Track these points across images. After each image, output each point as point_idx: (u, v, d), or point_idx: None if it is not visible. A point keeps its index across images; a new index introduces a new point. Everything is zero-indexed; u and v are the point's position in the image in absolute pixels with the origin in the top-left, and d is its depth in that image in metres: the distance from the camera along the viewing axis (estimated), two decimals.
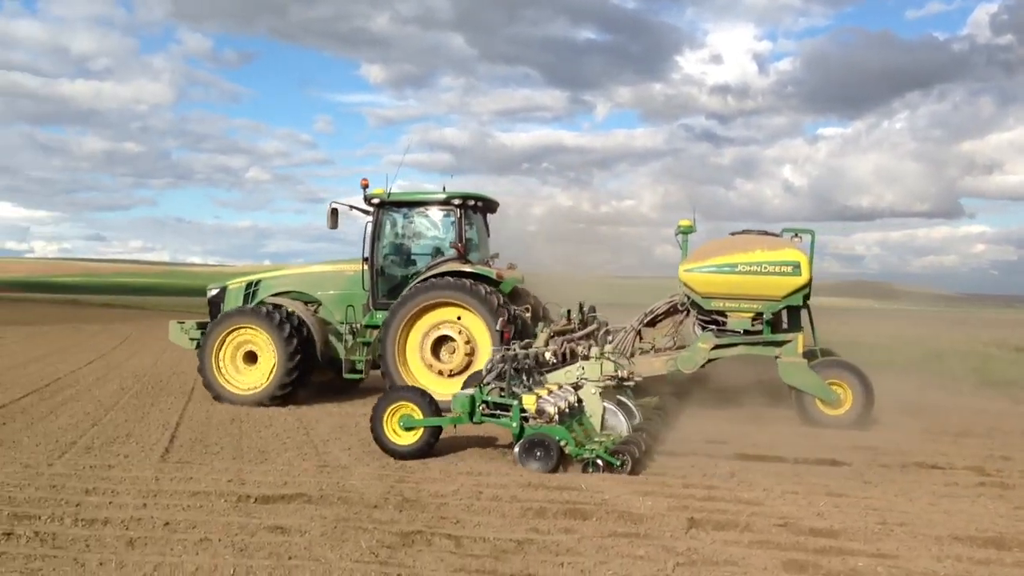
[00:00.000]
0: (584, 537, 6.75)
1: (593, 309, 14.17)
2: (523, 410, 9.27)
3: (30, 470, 8.70)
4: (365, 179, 14.25)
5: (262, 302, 14.78)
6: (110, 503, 7.51)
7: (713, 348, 12.43)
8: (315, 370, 14.46)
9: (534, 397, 9.31)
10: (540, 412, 9.21)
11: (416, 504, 7.62)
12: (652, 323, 13.47)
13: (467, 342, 13.66)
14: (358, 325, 14.47)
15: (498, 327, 12.38)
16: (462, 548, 6.44)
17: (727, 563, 6.22)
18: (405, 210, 14.73)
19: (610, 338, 12.77)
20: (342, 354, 14.30)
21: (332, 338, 14.61)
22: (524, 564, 6.15)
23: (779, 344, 12.27)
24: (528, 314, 13.85)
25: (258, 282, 15.28)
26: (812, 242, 12.91)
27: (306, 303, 14.90)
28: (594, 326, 13.27)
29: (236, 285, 15.37)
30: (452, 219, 14.38)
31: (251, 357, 14.09)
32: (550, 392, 9.79)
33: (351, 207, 14.64)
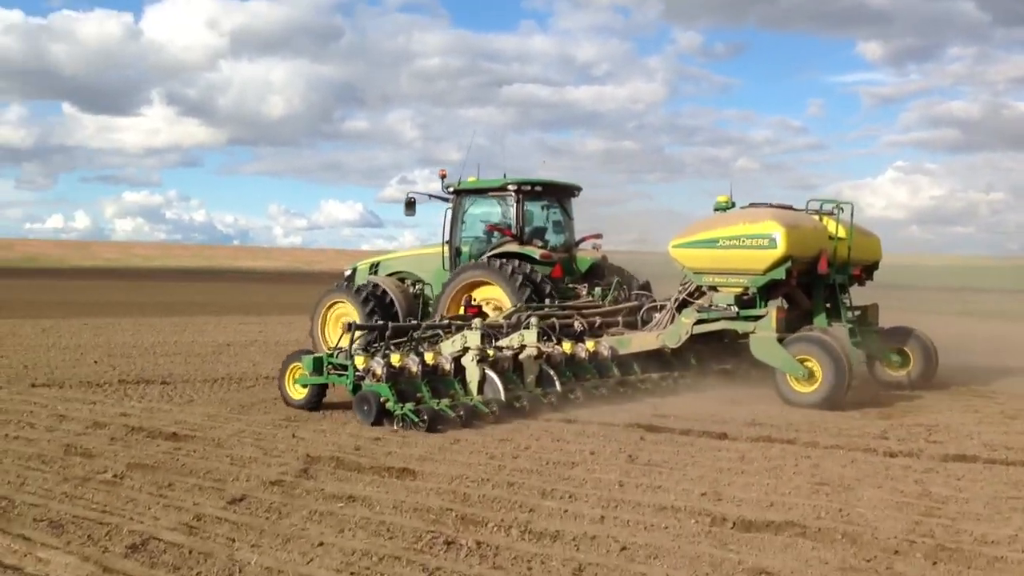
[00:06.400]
0: None
1: (646, 287, 15.08)
2: (357, 370, 10.17)
3: (494, 463, 8.06)
4: (443, 170, 15.80)
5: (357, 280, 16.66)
6: (565, 511, 6.44)
7: (696, 323, 12.43)
8: None
9: (364, 359, 10.20)
10: (367, 372, 10.12)
11: (956, 554, 5.45)
12: (688, 300, 13.09)
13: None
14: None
15: (463, 303, 14.07)
16: None
17: None
18: (475, 197, 15.68)
19: (656, 315, 13.39)
20: None
21: (430, 310, 15.29)
22: None
23: (756, 319, 12.00)
24: (583, 290, 14.73)
25: (378, 263, 17.06)
26: (851, 214, 12.73)
27: (414, 282, 16.18)
28: (635, 303, 14.13)
29: (364, 265, 17.30)
30: (512, 204, 15.09)
31: None
32: (414, 355, 10.40)
33: (429, 196, 16.07)
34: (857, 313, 13.15)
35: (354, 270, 17.48)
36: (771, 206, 12.68)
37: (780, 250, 11.76)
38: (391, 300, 15.52)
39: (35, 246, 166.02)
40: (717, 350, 13.25)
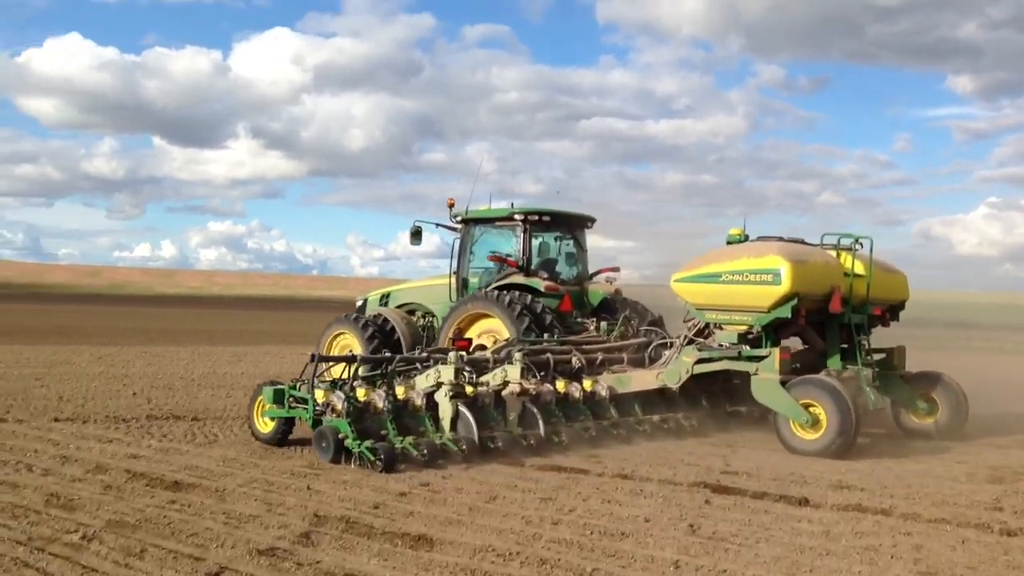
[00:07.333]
0: None
1: (658, 322, 14.26)
2: (317, 404, 9.71)
3: (529, 530, 6.86)
4: (451, 198, 15.14)
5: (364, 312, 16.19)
6: None
7: (696, 362, 11.76)
8: None
9: (324, 392, 9.74)
10: (327, 406, 9.64)
11: None
12: (698, 336, 12.30)
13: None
14: None
15: (451, 335, 13.52)
16: None
17: None
18: (483, 227, 15.18)
19: (666, 352, 12.52)
20: None
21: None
22: None
23: (759, 359, 11.20)
24: (591, 325, 14.02)
25: (389, 294, 16.63)
26: (870, 249, 11.95)
27: (423, 314, 15.69)
28: (642, 339, 13.32)
29: (374, 296, 16.95)
30: (519, 234, 14.53)
31: None
32: (378, 388, 9.93)
33: (437, 225, 15.55)
34: (882, 356, 12.43)
35: (365, 301, 17.07)
36: (782, 240, 12.00)
37: (785, 286, 11.04)
38: (395, 332, 15.02)
39: (123, 273, 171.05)
40: (730, 391, 12.59)
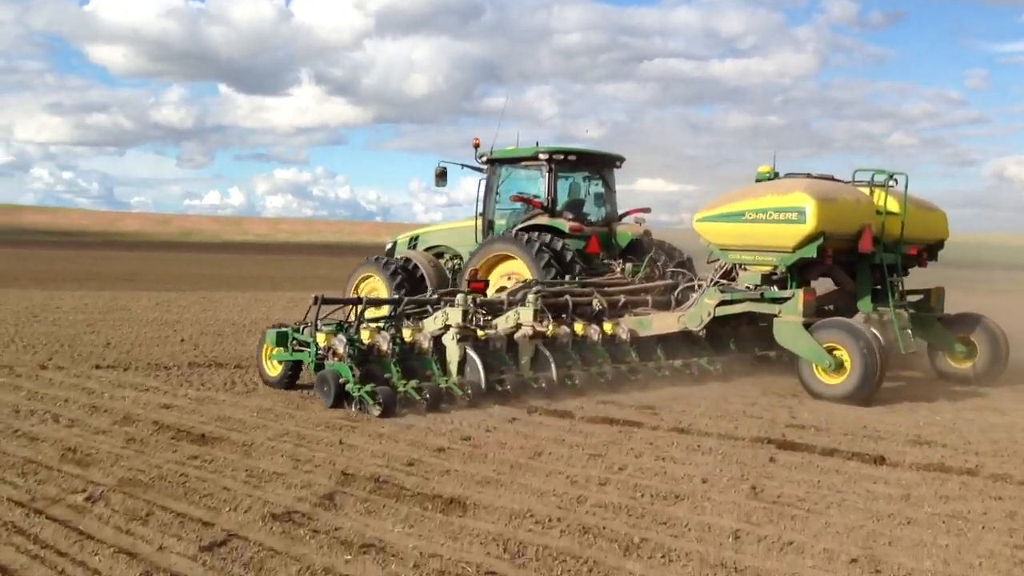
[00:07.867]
0: None
1: (685, 264, 13.72)
2: (319, 347, 9.55)
3: (573, 491, 6.25)
4: (476, 138, 14.60)
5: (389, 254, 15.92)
6: None
7: (718, 305, 11.33)
8: None
9: (326, 335, 9.50)
10: (328, 350, 9.44)
11: None
12: (725, 278, 11.92)
13: None
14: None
15: (467, 276, 12.90)
16: None
17: None
18: (508, 167, 14.72)
19: (693, 294, 12.00)
20: None
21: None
22: None
23: (782, 301, 10.79)
24: (617, 267, 13.47)
25: (417, 237, 16.22)
26: (905, 186, 11.44)
27: (451, 256, 15.31)
28: (669, 281, 12.90)
29: (403, 239, 16.49)
30: (544, 174, 14.04)
31: None
32: (383, 331, 9.64)
33: (463, 166, 15.03)
34: (918, 298, 12.03)
35: (394, 243, 16.74)
36: (810, 176, 11.50)
37: (810, 225, 10.56)
38: (422, 275, 14.71)
39: (192, 221, 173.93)
40: (760, 335, 12.01)
